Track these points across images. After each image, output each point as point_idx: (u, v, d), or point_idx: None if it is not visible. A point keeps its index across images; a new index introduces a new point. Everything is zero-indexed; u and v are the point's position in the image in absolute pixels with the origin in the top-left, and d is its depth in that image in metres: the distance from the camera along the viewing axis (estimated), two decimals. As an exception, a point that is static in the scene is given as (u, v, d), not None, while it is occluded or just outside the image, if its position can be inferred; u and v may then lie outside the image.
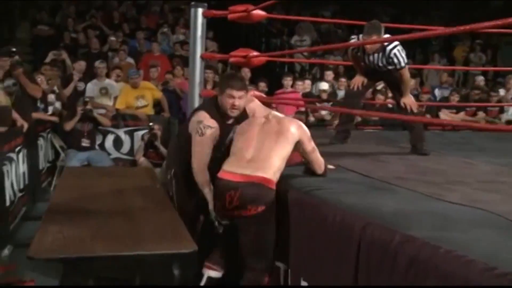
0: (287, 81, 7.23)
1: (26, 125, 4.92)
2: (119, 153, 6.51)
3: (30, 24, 9.66)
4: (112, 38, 8.75)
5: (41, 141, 5.73)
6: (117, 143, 6.52)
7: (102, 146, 6.49)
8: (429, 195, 2.54)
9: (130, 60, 8.20)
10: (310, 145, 2.81)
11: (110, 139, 6.56)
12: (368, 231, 2.01)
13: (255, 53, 4.51)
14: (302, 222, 2.53)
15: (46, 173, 5.91)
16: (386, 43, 3.83)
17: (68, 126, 5.95)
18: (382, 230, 1.96)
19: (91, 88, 6.72)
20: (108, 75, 6.97)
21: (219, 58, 5.11)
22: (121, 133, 6.54)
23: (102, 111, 6.64)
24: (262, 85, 7.12)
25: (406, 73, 3.96)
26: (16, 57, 5.29)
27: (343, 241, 2.14)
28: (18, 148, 4.63)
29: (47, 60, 7.00)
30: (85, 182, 3.52)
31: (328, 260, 2.25)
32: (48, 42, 8.25)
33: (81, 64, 7.02)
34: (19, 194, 4.53)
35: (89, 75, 7.05)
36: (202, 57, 4.63)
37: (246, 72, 7.36)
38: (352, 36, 4.33)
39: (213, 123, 2.98)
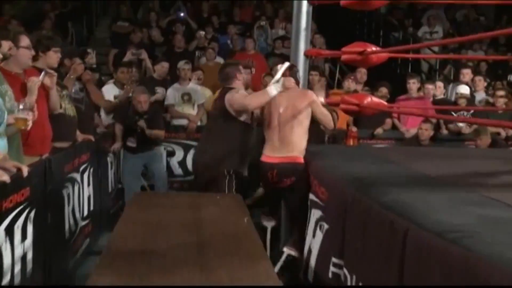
0: (413, 84, 6.67)
1: (92, 139, 4.87)
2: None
3: (110, 21, 9.98)
4: (201, 33, 8.78)
5: (110, 158, 5.72)
6: None
7: (183, 162, 6.56)
8: None
9: (220, 59, 8.13)
10: (319, 110, 4.18)
11: (192, 154, 6.36)
12: None
13: (374, 48, 4.09)
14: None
15: (116, 196, 5.87)
16: None
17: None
18: None
19: (172, 94, 6.66)
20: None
21: (327, 56, 4.78)
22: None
23: (184, 121, 6.57)
24: (384, 90, 6.65)
25: None
26: (92, 58, 5.34)
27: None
28: (83, 167, 4.59)
29: (126, 58, 7.11)
30: (154, 213, 3.28)
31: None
32: (126, 40, 8.36)
33: (164, 66, 6.94)
34: (82, 223, 4.51)
35: (170, 78, 7.03)
36: (306, 55, 4.48)
37: (362, 74, 6.97)
38: None
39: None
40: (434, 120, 6.10)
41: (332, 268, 3.08)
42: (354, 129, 6.60)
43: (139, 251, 2.58)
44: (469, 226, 2.10)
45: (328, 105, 4.52)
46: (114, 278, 2.26)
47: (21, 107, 3.30)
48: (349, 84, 6.79)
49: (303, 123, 4.10)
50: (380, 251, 2.48)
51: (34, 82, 3.75)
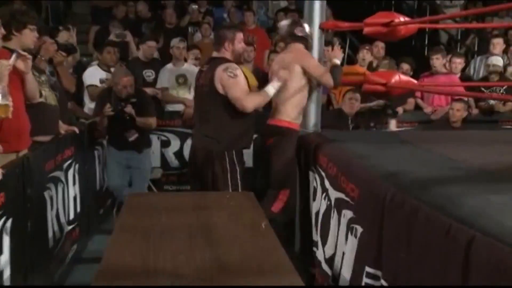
0: (437, 59, 6.39)
1: (77, 130, 4.59)
2: None
3: (90, -6, 9.67)
4: (194, 7, 8.53)
5: (99, 151, 5.42)
6: None
7: (179, 153, 6.35)
8: None
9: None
10: (312, 65, 4.24)
11: (190, 144, 6.14)
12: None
13: (402, 19, 3.85)
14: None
15: (105, 194, 5.60)
16: None
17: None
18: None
19: (165, 76, 6.37)
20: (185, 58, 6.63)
21: (345, 28, 4.51)
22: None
23: (179, 106, 6.35)
24: (405, 67, 6.38)
25: None
26: (72, 36, 5.02)
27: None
28: (67, 163, 4.33)
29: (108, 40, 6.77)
30: (155, 219, 3.00)
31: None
32: (109, 15, 8.04)
33: (150, 46, 6.58)
34: (67, 228, 4.30)
35: (161, 59, 6.77)
36: (322, 28, 4.31)
37: (379, 48, 6.76)
38: None
39: (235, 65, 4.04)
40: (466, 99, 5.81)
41: (365, 279, 2.81)
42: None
43: (141, 270, 2.29)
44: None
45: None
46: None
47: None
48: (364, 55, 6.52)
49: (290, 86, 4.21)
50: (433, 262, 2.21)
51: (4, 66, 3.40)
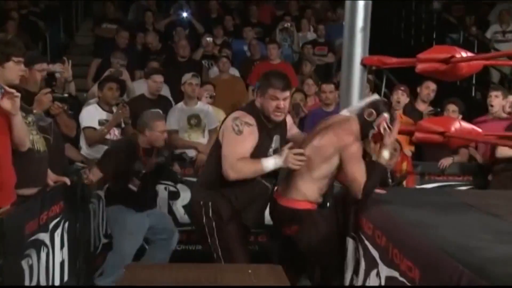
0: (496, 97, 6.04)
1: (68, 181, 4.33)
2: None
3: (93, 23, 9.60)
4: (209, 39, 8.40)
5: (94, 205, 5.11)
6: None
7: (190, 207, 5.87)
8: None
9: (235, 71, 7.81)
10: (351, 167, 3.64)
11: None
12: None
13: (465, 54, 3.53)
14: None
15: (102, 253, 5.24)
16: None
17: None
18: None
19: (175, 117, 6.13)
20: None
21: (393, 65, 4.16)
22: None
23: (192, 153, 6.09)
24: (452, 108, 6.03)
25: None
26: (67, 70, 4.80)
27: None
28: (54, 222, 4.04)
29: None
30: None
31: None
32: (111, 46, 7.90)
33: (157, 81, 6.37)
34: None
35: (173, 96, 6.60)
36: (364, 63, 4.13)
37: (430, 90, 6.48)
38: None
39: (251, 119, 3.70)
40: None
41: None
42: (409, 153, 5.92)
43: None
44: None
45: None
46: None
47: None
48: (399, 97, 6.28)
49: (321, 166, 3.73)
50: None
51: None
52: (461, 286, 2.30)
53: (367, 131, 3.71)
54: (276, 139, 3.80)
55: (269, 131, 3.76)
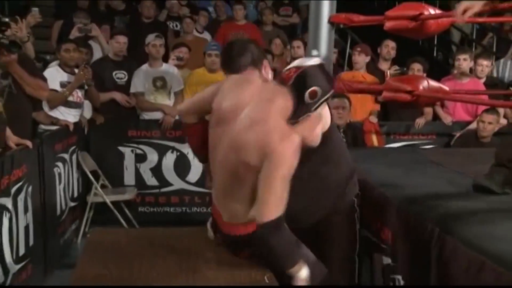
0: (464, 61, 5.92)
1: (30, 144, 4.15)
2: (183, 182, 6.04)
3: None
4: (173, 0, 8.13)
5: (59, 168, 4.95)
6: (182, 165, 5.97)
7: (157, 169, 6.01)
8: None
9: (207, 35, 7.59)
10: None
11: (170, 159, 6.00)
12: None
13: (433, 11, 3.44)
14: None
15: (68, 216, 5.17)
16: None
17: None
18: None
19: (140, 80, 5.94)
20: (165, 58, 6.26)
21: (360, 23, 4.03)
22: (186, 150, 5.81)
23: (158, 115, 5.95)
24: (417, 67, 5.93)
25: None
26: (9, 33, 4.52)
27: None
28: (17, 187, 3.84)
29: (71, 36, 6.24)
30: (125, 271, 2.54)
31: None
32: (73, 7, 7.54)
33: (120, 42, 6.12)
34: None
35: (135, 58, 6.33)
36: (331, 21, 3.97)
37: (389, 48, 6.37)
38: None
39: None
40: (500, 110, 5.37)
41: None
42: (374, 120, 5.86)
43: None
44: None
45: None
46: None
47: None
48: (356, 58, 6.15)
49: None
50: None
51: None
52: (441, 248, 2.28)
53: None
54: None
55: None
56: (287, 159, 2.26)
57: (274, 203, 2.26)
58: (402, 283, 2.59)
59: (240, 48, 2.72)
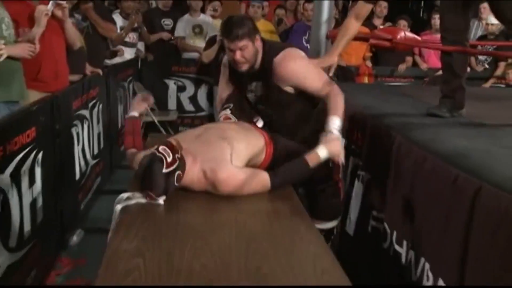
0: (438, 19, 6.01)
1: (100, 72, 4.45)
2: (213, 109, 6.10)
3: None
4: None
5: (120, 92, 5.28)
6: (211, 95, 6.15)
7: (194, 98, 6.32)
8: None
9: None
10: None
11: (203, 90, 6.35)
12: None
13: None
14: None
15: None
16: None
17: (207, 57, 5.45)
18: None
19: (182, 27, 6.16)
20: (203, 10, 6.39)
21: None
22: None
23: (195, 55, 6.14)
24: (403, 23, 6.15)
25: None
26: None
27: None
28: (92, 103, 4.19)
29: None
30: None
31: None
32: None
33: (167, -5, 6.35)
34: (92, 162, 4.18)
35: (179, 9, 6.49)
36: None
37: (382, 7, 6.44)
38: None
39: (225, 60, 2.89)
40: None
41: (372, 222, 2.73)
42: (369, 64, 6.18)
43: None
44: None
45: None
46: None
47: None
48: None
49: None
50: (436, 211, 2.11)
51: (40, 11, 3.29)
52: (398, 150, 2.49)
53: None
54: (255, 85, 2.84)
55: (240, 74, 2.77)
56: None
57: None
58: (366, 177, 2.82)
59: (238, 21, 2.62)
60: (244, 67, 2.68)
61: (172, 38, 6.19)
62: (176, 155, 2.07)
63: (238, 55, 2.62)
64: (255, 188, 2.25)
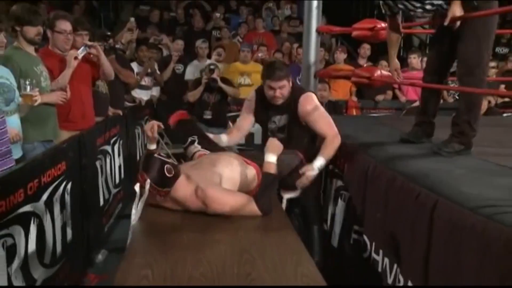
0: (414, 58, 6.29)
1: (121, 113, 4.63)
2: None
3: (134, 5, 9.58)
4: (217, 14, 8.41)
5: (138, 130, 5.43)
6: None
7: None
8: None
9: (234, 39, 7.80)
10: None
11: None
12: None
13: (383, 25, 3.81)
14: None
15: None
16: None
17: (192, 97, 5.35)
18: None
19: (191, 71, 6.30)
20: (209, 56, 6.55)
21: (337, 32, 4.44)
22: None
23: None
24: (384, 63, 6.25)
25: None
26: (110, 41, 5.00)
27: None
28: (114, 139, 4.32)
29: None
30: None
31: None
32: (147, 22, 7.98)
33: (179, 44, 6.60)
34: (114, 191, 4.26)
35: (189, 56, 6.66)
36: (318, 31, 4.18)
37: (365, 49, 6.64)
38: None
39: (252, 95, 3.24)
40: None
41: (353, 235, 2.84)
42: (355, 99, 6.34)
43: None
44: (502, 201, 1.84)
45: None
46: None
47: (27, 82, 2.99)
48: (337, 55, 6.53)
49: None
50: (404, 223, 2.22)
51: (71, 55, 3.49)
52: (373, 171, 2.59)
53: None
54: (279, 118, 3.13)
55: (268, 108, 3.13)
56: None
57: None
58: (347, 195, 2.93)
59: (280, 65, 3.06)
60: (280, 102, 3.04)
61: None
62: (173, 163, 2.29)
63: (278, 92, 3.00)
64: (242, 208, 2.32)
